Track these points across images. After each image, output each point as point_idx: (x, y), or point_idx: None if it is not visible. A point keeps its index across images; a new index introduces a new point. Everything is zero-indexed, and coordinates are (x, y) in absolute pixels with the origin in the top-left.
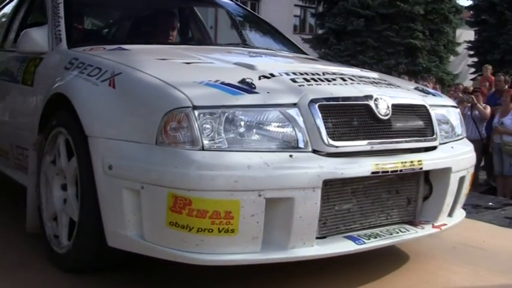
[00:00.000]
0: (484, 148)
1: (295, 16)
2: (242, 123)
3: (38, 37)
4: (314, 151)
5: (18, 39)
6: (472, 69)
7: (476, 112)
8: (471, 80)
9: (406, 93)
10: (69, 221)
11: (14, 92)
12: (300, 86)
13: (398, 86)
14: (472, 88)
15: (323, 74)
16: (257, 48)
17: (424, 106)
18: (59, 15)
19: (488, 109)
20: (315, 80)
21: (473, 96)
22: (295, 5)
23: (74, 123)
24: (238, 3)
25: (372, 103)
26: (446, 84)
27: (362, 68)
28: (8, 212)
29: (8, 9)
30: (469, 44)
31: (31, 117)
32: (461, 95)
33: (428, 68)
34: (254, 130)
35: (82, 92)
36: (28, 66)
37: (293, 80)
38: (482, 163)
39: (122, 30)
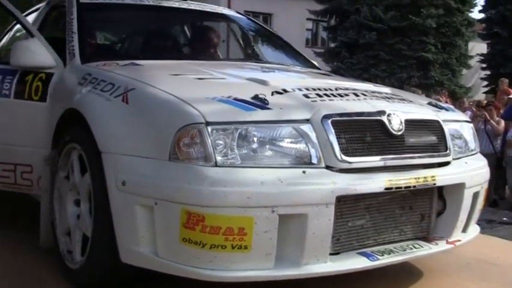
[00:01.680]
0: (497, 162)
1: (307, 30)
2: (255, 139)
3: (38, 50)
4: (327, 167)
5: (12, 52)
6: (485, 83)
7: (489, 126)
8: (484, 93)
9: (419, 108)
10: (82, 236)
11: (9, 108)
12: (312, 101)
13: (411, 101)
14: (485, 102)
15: (336, 89)
16: (270, 63)
17: (437, 121)
18: (73, 31)
19: (502, 123)
20: (328, 96)
21: (485, 113)
22: (308, 19)
23: (87, 138)
24: (251, 17)
25: (385, 118)
26: (458, 98)
27: (374, 81)
28: (21, 227)
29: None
30: (482, 57)
31: (39, 132)
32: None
33: (440, 81)
34: (267, 146)
35: (95, 107)
36: (29, 80)
37: (306, 96)
38: None
39: (135, 45)
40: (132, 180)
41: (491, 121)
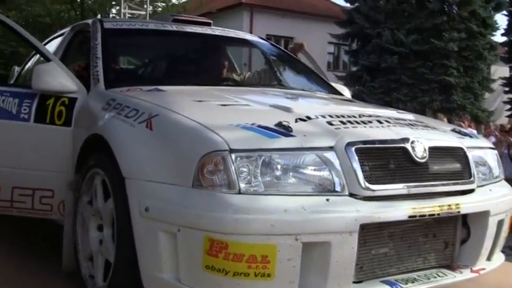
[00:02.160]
0: None
1: (329, 53)
2: (279, 166)
3: (59, 75)
4: (351, 195)
5: (33, 76)
6: (508, 106)
7: None
8: (507, 116)
9: (442, 135)
10: (104, 262)
11: (29, 132)
12: (336, 128)
13: (434, 128)
14: (508, 126)
15: (359, 116)
16: (293, 88)
17: (461, 148)
18: (97, 56)
19: None
20: (351, 123)
21: (510, 138)
22: (329, 42)
23: (111, 164)
24: (273, 42)
25: (408, 146)
26: (481, 122)
27: (396, 105)
28: (44, 251)
29: (48, 48)
30: (504, 81)
31: (62, 157)
32: (497, 133)
33: (462, 105)
34: (291, 173)
35: (119, 133)
36: (51, 105)
37: (329, 123)
38: None
39: (158, 70)
40: (156, 207)
41: None
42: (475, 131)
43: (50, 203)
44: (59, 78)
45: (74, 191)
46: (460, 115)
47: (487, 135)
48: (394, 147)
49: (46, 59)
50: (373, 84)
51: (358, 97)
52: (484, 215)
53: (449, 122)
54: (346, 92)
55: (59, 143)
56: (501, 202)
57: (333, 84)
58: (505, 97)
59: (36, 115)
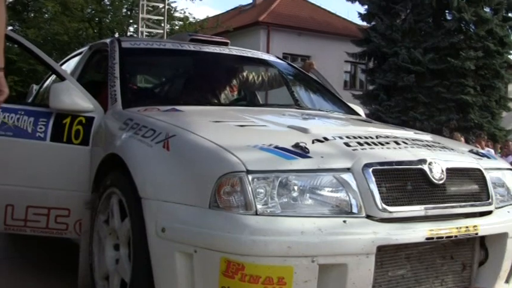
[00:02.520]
0: None
1: (345, 72)
2: (296, 187)
3: (74, 94)
4: (368, 216)
5: (50, 94)
6: None
7: None
8: None
9: (460, 156)
10: (120, 281)
11: (45, 151)
12: (353, 150)
13: (452, 149)
14: None
15: (376, 137)
16: (310, 109)
17: (478, 169)
18: (115, 75)
19: None
20: (369, 144)
21: None
22: (346, 61)
23: (127, 184)
24: (289, 62)
25: (426, 167)
26: (498, 141)
27: (413, 124)
28: (59, 269)
29: (66, 66)
30: None
31: (79, 176)
32: None
33: (480, 124)
34: (308, 195)
35: (136, 153)
36: (68, 124)
37: (347, 144)
38: None
39: (176, 90)
40: (172, 227)
41: None
42: (492, 151)
43: (65, 222)
44: (76, 97)
45: (90, 210)
46: (477, 135)
47: (504, 155)
48: (412, 169)
49: (61, 78)
50: (390, 103)
51: (374, 116)
52: (502, 236)
53: (467, 141)
54: (361, 112)
55: (76, 162)
56: None
57: (349, 105)
58: None
59: (52, 134)
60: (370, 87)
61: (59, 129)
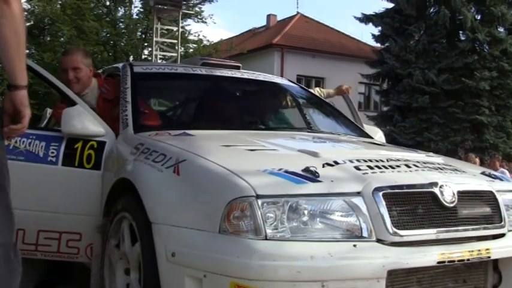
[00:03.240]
0: None
1: (359, 93)
2: (305, 212)
3: (86, 119)
4: (378, 240)
5: (62, 119)
6: None
7: None
8: None
9: (472, 179)
10: None
11: (57, 175)
12: (364, 174)
13: (464, 172)
14: None
15: (387, 160)
16: (321, 132)
17: (491, 192)
18: (126, 100)
19: None
20: (379, 168)
21: None
22: (360, 82)
23: (138, 208)
24: (302, 85)
25: (437, 190)
26: None
27: (428, 145)
28: None
29: None
30: None
31: (91, 200)
32: None
33: (495, 144)
34: (317, 219)
35: (147, 178)
36: (79, 148)
37: (357, 168)
38: None
39: (187, 114)
40: (182, 252)
41: None
42: (507, 171)
43: (77, 246)
44: (87, 122)
45: (102, 234)
46: (492, 155)
47: None
48: (423, 192)
49: (72, 103)
50: (405, 124)
51: (389, 137)
52: None
53: (482, 161)
54: (380, 134)
55: (88, 187)
56: None
57: (366, 126)
58: None
59: (64, 158)
60: (385, 109)
61: (71, 153)
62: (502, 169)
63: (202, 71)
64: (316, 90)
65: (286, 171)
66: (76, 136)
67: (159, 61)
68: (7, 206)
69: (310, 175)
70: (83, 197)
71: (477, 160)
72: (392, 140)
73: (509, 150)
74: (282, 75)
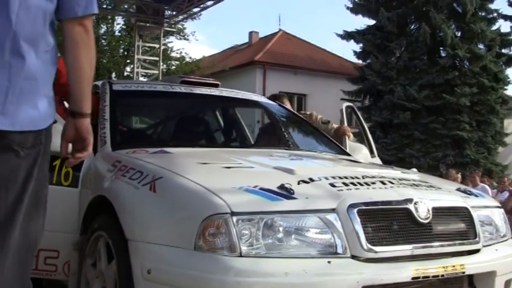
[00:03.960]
0: None
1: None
2: (281, 229)
3: None
4: (353, 257)
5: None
6: None
7: None
8: None
9: (447, 195)
10: None
11: None
12: (338, 190)
13: (439, 188)
14: None
15: (363, 177)
16: (299, 150)
17: (465, 208)
18: (105, 118)
19: None
20: (354, 184)
21: None
22: (342, 99)
23: (114, 226)
24: (280, 103)
25: (411, 207)
26: (495, 176)
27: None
28: None
29: None
30: None
31: (69, 218)
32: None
33: (476, 159)
34: (292, 236)
35: (123, 195)
36: (57, 165)
37: (332, 185)
38: None
39: (165, 132)
40: (158, 269)
41: None
42: (487, 187)
43: (54, 264)
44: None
45: (78, 252)
46: (472, 171)
47: (500, 190)
48: (397, 209)
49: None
50: (386, 140)
51: None
52: (490, 275)
53: (463, 177)
54: (365, 151)
55: (66, 204)
56: (508, 262)
57: (351, 144)
58: None
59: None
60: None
61: (49, 171)
62: (482, 185)
63: (181, 89)
64: (314, 115)
65: (262, 189)
66: (53, 153)
67: (141, 78)
68: None
69: (285, 192)
70: (61, 215)
71: (458, 176)
72: None
73: (490, 165)
74: (264, 92)
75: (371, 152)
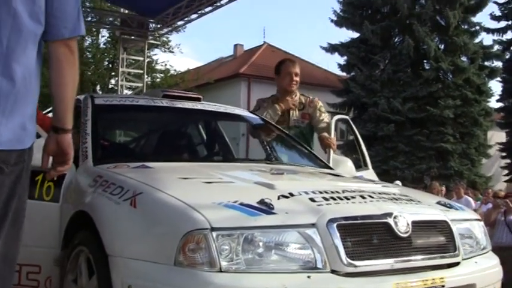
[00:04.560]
0: None
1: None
2: (260, 244)
3: None
4: (333, 271)
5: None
6: (505, 171)
7: (511, 217)
8: (505, 182)
9: (426, 209)
10: None
11: None
12: (318, 205)
13: (419, 202)
14: (503, 193)
15: (343, 191)
16: (280, 164)
17: (445, 221)
18: (86, 132)
19: None
20: (334, 199)
21: (507, 201)
22: (328, 112)
23: (95, 241)
24: (262, 117)
25: (391, 221)
26: (478, 188)
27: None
28: None
29: None
30: (501, 146)
31: (50, 233)
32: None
33: (460, 171)
34: (272, 251)
35: (104, 210)
36: (40, 180)
37: (312, 200)
38: None
39: (147, 146)
40: (138, 285)
41: None
42: (470, 199)
43: (37, 279)
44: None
45: (60, 268)
46: (456, 182)
47: (484, 202)
48: (377, 223)
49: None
50: (371, 153)
51: (355, 166)
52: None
53: (448, 188)
54: (350, 164)
55: (47, 219)
56: (488, 274)
57: (336, 157)
58: (503, 162)
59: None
60: (351, 137)
61: (32, 186)
62: (466, 197)
63: (163, 103)
64: (315, 107)
65: (242, 204)
66: (35, 168)
67: (126, 91)
68: None
69: (265, 207)
70: (42, 230)
71: (442, 188)
72: (359, 168)
73: (474, 177)
74: (248, 105)
75: (365, 164)
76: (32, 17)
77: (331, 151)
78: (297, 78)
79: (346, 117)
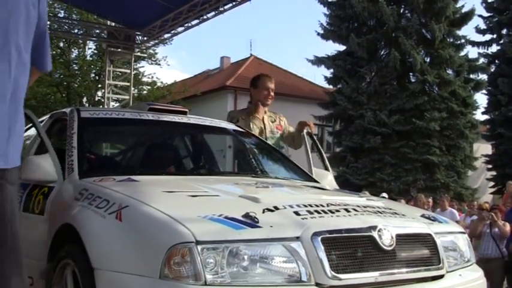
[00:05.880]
0: (506, 266)
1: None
2: (245, 257)
3: (46, 166)
4: (317, 284)
5: (23, 166)
6: (491, 183)
7: (496, 229)
8: (491, 193)
9: (411, 222)
10: None
11: None
12: (303, 218)
13: (403, 215)
14: (488, 205)
15: (327, 205)
16: (265, 177)
17: (429, 235)
18: (72, 145)
19: (508, 226)
20: (319, 212)
21: (492, 214)
22: (315, 124)
23: (81, 254)
24: (249, 131)
25: (375, 234)
26: (465, 200)
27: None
28: None
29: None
30: (487, 158)
31: (39, 245)
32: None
33: (446, 183)
34: (257, 264)
35: (90, 224)
36: (35, 194)
37: (296, 213)
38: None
39: (133, 159)
40: None
41: (498, 223)
42: (455, 211)
43: None
44: (42, 168)
45: (45, 280)
46: (440, 195)
47: (469, 214)
48: (361, 236)
49: (46, 149)
50: (357, 165)
51: (342, 178)
52: None
53: (434, 200)
54: (330, 177)
55: (36, 232)
56: (472, 287)
57: (315, 170)
58: (488, 174)
59: (24, 205)
60: (337, 150)
61: (29, 199)
62: (450, 209)
63: (149, 116)
64: (284, 121)
65: (226, 217)
66: (30, 181)
67: (112, 103)
68: None
69: (250, 221)
70: (32, 242)
71: (429, 200)
72: (345, 180)
73: (460, 189)
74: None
75: (326, 168)
76: (27, 51)
77: (311, 159)
78: (273, 94)
79: (309, 131)
